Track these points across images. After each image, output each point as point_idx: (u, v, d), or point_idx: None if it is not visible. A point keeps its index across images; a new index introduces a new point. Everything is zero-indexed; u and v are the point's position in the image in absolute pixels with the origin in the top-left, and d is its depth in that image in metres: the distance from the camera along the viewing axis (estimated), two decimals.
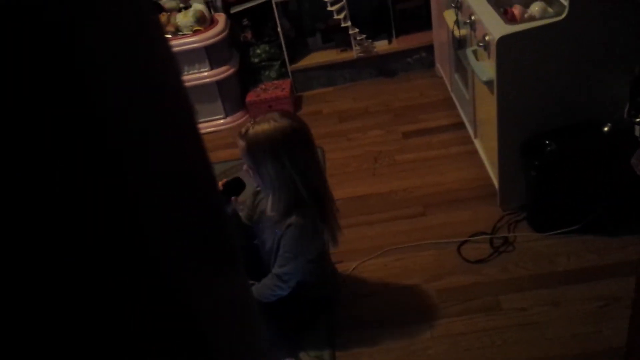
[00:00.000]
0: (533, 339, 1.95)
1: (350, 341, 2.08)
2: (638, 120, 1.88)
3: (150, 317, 0.44)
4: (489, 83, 2.27)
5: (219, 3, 3.72)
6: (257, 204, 2.10)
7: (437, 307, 2.14)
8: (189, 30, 3.48)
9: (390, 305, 2.19)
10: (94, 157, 0.37)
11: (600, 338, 1.90)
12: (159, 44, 0.51)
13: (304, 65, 3.85)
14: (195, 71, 3.52)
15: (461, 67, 2.88)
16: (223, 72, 3.57)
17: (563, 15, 2.07)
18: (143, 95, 0.46)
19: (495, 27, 2.17)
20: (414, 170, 2.91)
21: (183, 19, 3.49)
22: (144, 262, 0.42)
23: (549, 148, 2.24)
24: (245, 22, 3.81)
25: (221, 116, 3.69)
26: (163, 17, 3.54)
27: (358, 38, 3.64)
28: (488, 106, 2.39)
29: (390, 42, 3.82)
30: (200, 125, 3.61)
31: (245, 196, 2.11)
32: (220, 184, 1.96)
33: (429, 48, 3.72)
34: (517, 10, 2.31)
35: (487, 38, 2.21)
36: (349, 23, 3.57)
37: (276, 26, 3.67)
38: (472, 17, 2.43)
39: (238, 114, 3.73)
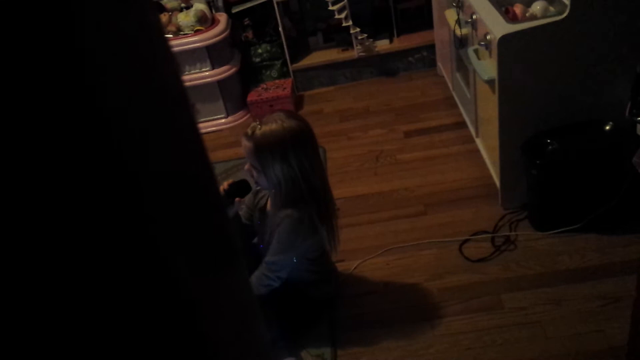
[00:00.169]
0: (534, 338, 1.94)
1: (352, 340, 2.08)
2: (639, 119, 1.88)
3: (153, 317, 0.44)
4: (490, 82, 2.27)
5: (220, 3, 3.73)
6: (257, 203, 2.11)
7: (438, 306, 2.14)
8: (190, 30, 3.48)
9: (391, 304, 2.19)
10: (98, 156, 0.38)
11: (602, 337, 1.90)
12: (160, 44, 0.51)
13: (305, 64, 3.85)
14: (197, 71, 3.53)
15: (462, 66, 2.88)
16: (224, 71, 3.57)
17: (564, 14, 2.07)
18: (144, 95, 0.46)
19: (496, 26, 2.17)
20: (415, 169, 2.91)
21: (184, 18, 3.49)
22: (147, 262, 0.42)
23: (550, 147, 2.24)
24: (246, 21, 3.81)
25: (222, 116, 3.69)
26: (164, 17, 3.54)
27: (359, 37, 3.64)
28: (489, 105, 2.39)
29: (391, 41, 3.82)
30: (202, 125, 3.64)
31: (246, 196, 2.12)
32: (225, 184, 1.96)
33: (431, 47, 3.72)
34: (518, 9, 2.31)
35: (488, 37, 2.21)
36: (350, 22, 3.57)
37: (277, 26, 3.68)
38: (474, 16, 2.43)
39: (239, 114, 3.74)
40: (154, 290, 0.43)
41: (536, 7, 2.30)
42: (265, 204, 2.09)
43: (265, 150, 1.83)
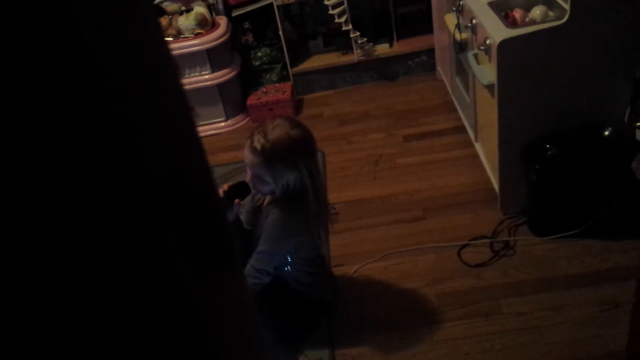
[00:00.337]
0: (533, 343, 1.94)
1: (350, 344, 2.07)
2: (639, 124, 1.88)
3: (154, 317, 0.44)
4: (489, 87, 2.27)
5: (220, 6, 3.73)
6: (255, 204, 2.11)
7: (437, 311, 2.14)
8: (190, 33, 3.49)
9: (390, 309, 2.19)
10: (98, 156, 0.38)
11: (601, 343, 1.89)
12: (160, 47, 0.52)
13: (305, 68, 3.85)
14: (197, 74, 3.53)
15: (462, 71, 2.88)
16: (224, 75, 3.57)
17: (564, 19, 2.08)
18: (144, 97, 0.46)
19: (496, 31, 2.17)
20: (414, 173, 2.91)
21: (185, 22, 3.50)
22: (149, 263, 0.42)
23: (549, 152, 2.24)
24: (246, 25, 3.82)
25: (222, 119, 3.69)
26: (165, 20, 3.54)
27: (359, 41, 3.65)
28: (489, 110, 2.39)
29: (391, 45, 3.83)
30: (201, 128, 3.64)
31: (245, 199, 2.11)
32: (225, 186, 1.96)
33: (430, 51, 3.73)
34: (518, 14, 2.31)
35: (488, 42, 2.22)
36: (350, 26, 3.58)
37: (277, 29, 3.68)
38: (473, 21, 2.44)
39: (239, 117, 3.74)
40: (155, 290, 0.43)
41: (536, 12, 2.30)
42: (262, 203, 2.09)
43: (277, 162, 1.82)
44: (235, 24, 3.77)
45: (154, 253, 0.42)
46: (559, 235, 2.30)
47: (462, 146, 2.99)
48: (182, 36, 3.50)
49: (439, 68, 3.68)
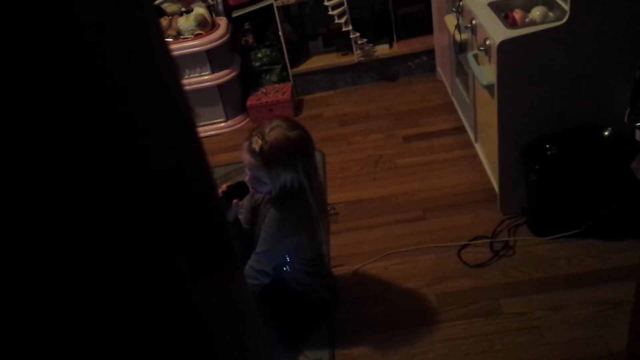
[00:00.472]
0: (533, 343, 1.94)
1: (350, 344, 2.07)
2: (638, 124, 1.88)
3: (154, 316, 0.44)
4: (489, 87, 2.27)
5: (220, 7, 3.73)
6: (254, 203, 2.11)
7: (437, 311, 2.14)
8: (190, 34, 3.49)
9: (390, 309, 2.19)
10: (98, 156, 0.38)
11: (601, 343, 1.89)
12: (160, 48, 0.52)
13: (305, 69, 3.85)
14: (197, 75, 3.53)
15: (462, 71, 2.88)
16: (224, 75, 3.57)
17: (564, 20, 2.08)
18: (144, 97, 0.46)
19: (496, 32, 2.17)
20: (414, 174, 2.91)
21: (185, 22, 3.50)
22: (149, 262, 0.43)
23: (549, 152, 2.24)
24: (246, 26, 3.82)
25: (222, 120, 3.69)
26: (165, 21, 3.55)
27: (359, 42, 3.65)
28: (489, 110, 2.39)
29: (391, 46, 3.83)
30: (201, 129, 3.63)
31: (244, 199, 2.12)
32: (224, 186, 1.97)
33: (430, 52, 3.73)
34: (518, 14, 2.31)
35: (488, 42, 2.22)
36: (350, 27, 3.58)
37: (277, 30, 3.68)
38: (473, 22, 2.44)
39: (239, 118, 3.74)
40: (155, 290, 0.43)
41: (535, 13, 2.31)
42: (261, 203, 2.09)
43: (275, 164, 1.82)
44: (235, 24, 3.77)
45: (154, 253, 0.43)
46: (558, 236, 2.30)
47: (462, 146, 2.99)
48: (182, 37, 3.50)
49: (439, 69, 3.68)
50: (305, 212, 1.93)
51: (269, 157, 1.81)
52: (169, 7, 3.65)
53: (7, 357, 0.40)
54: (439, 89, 3.60)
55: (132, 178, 0.40)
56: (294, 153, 1.84)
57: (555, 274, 2.18)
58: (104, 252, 0.40)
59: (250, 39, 3.83)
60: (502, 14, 2.30)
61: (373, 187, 2.88)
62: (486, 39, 2.23)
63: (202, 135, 3.65)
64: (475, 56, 2.42)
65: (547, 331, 1.97)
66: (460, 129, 3.07)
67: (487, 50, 2.24)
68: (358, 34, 3.61)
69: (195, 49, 3.44)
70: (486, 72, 2.28)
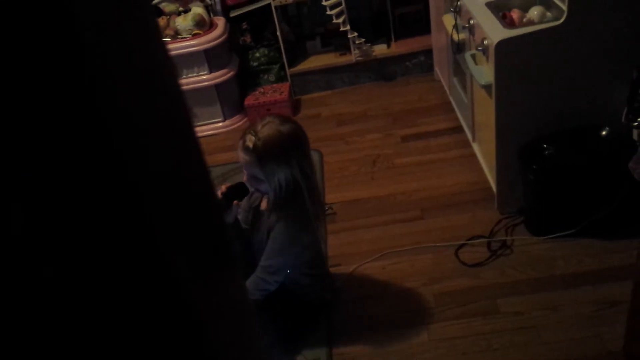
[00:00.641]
0: (530, 343, 1.95)
1: (348, 344, 2.08)
2: (636, 124, 1.89)
3: (153, 316, 0.44)
4: (487, 87, 2.27)
5: (218, 7, 3.73)
6: (252, 203, 2.11)
7: (434, 310, 2.14)
8: (188, 33, 3.49)
9: (387, 309, 2.19)
10: (98, 156, 0.38)
11: (598, 342, 1.90)
12: (159, 48, 0.52)
13: (303, 68, 3.85)
14: (194, 74, 3.53)
15: (460, 71, 2.89)
16: (222, 75, 3.57)
17: (561, 20, 2.08)
18: (142, 97, 0.46)
19: (493, 31, 2.17)
20: (412, 173, 2.91)
21: (182, 22, 3.50)
22: (148, 262, 0.43)
23: (547, 152, 2.25)
24: (244, 25, 3.81)
25: (220, 119, 3.69)
26: (163, 21, 3.54)
27: (357, 42, 3.65)
28: (486, 110, 2.40)
29: (389, 46, 3.83)
30: (199, 129, 3.63)
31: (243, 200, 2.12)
32: (223, 187, 1.96)
33: (428, 52, 3.73)
34: (515, 14, 2.32)
35: (485, 42, 2.22)
36: (348, 27, 3.58)
37: (275, 30, 3.68)
38: (471, 22, 2.44)
39: (236, 117, 3.74)
40: (155, 290, 0.43)
41: (533, 13, 2.31)
42: (259, 203, 2.09)
43: (269, 159, 1.82)
44: (233, 24, 3.77)
45: (154, 253, 0.43)
46: (556, 235, 2.30)
47: (460, 146, 2.99)
48: (179, 37, 3.50)
49: (436, 68, 3.69)
50: (305, 214, 1.93)
51: (263, 153, 1.82)
52: (167, 7, 3.65)
53: (7, 357, 0.40)
54: (436, 88, 3.60)
55: (132, 178, 0.40)
56: (288, 148, 1.84)
57: (552, 274, 2.18)
58: (105, 252, 0.40)
59: (248, 38, 3.83)
60: (500, 14, 2.30)
61: (371, 187, 2.88)
62: (484, 38, 2.24)
63: (200, 135, 3.64)
64: (473, 56, 2.42)
65: (544, 331, 1.97)
66: (458, 129, 3.08)
67: (484, 50, 2.24)
68: (356, 34, 3.61)
69: (193, 48, 3.43)
70: (484, 72, 2.29)
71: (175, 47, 3.40)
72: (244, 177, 1.95)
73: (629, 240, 2.22)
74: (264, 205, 2.04)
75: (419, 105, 3.51)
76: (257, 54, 3.83)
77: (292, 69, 3.83)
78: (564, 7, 2.08)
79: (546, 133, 2.26)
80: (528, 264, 2.24)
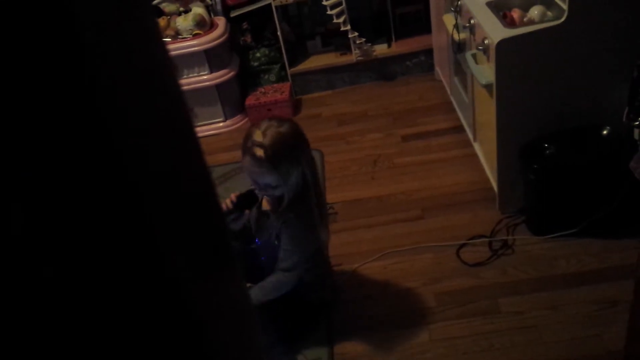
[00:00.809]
0: (531, 342, 1.95)
1: (348, 344, 2.08)
2: (637, 123, 1.88)
3: (153, 316, 0.44)
4: (488, 86, 2.27)
5: (219, 7, 3.73)
6: (258, 208, 2.11)
7: (435, 310, 2.14)
8: (188, 34, 3.49)
9: (388, 308, 2.19)
10: (98, 156, 0.38)
11: (599, 342, 1.90)
12: (159, 48, 0.52)
13: (303, 68, 3.85)
14: (195, 75, 3.53)
15: (460, 71, 2.89)
16: (223, 75, 3.57)
17: (562, 19, 2.08)
18: (143, 97, 0.46)
19: (494, 31, 2.17)
20: (413, 173, 2.91)
21: (183, 22, 3.50)
22: (148, 262, 0.43)
23: (548, 151, 2.24)
24: (245, 25, 3.81)
25: (220, 119, 3.69)
26: (163, 21, 3.54)
27: (357, 42, 3.65)
28: (487, 110, 2.40)
29: (389, 45, 3.83)
30: (200, 128, 3.63)
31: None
32: (233, 196, 1.96)
33: (429, 52, 3.73)
34: (516, 14, 2.32)
35: (486, 42, 2.22)
36: (348, 27, 3.58)
37: (276, 30, 3.68)
38: (472, 21, 2.44)
39: (237, 117, 3.74)
40: (156, 290, 0.43)
41: (534, 12, 2.31)
42: (261, 202, 2.09)
43: (282, 162, 1.81)
44: (233, 24, 3.77)
45: (154, 253, 0.43)
46: (557, 235, 2.30)
47: (461, 146, 2.99)
48: (180, 37, 3.50)
49: (437, 68, 3.69)
50: (312, 211, 1.95)
51: (275, 159, 1.80)
52: (167, 7, 3.65)
53: (7, 357, 0.40)
54: (437, 88, 3.60)
55: (132, 178, 0.40)
56: (294, 146, 1.85)
57: (553, 273, 2.18)
58: (105, 252, 0.40)
59: (248, 38, 3.83)
60: (501, 13, 2.30)
61: (371, 187, 2.88)
62: (484, 38, 2.23)
63: (200, 135, 3.65)
64: (474, 55, 2.42)
65: (545, 330, 1.97)
66: (459, 129, 3.08)
67: (485, 50, 2.24)
68: (356, 34, 3.61)
69: (193, 48, 3.44)
70: (485, 72, 2.29)
71: (176, 47, 3.40)
72: (256, 190, 1.96)
73: (629, 239, 2.22)
74: (265, 205, 2.04)
75: (420, 105, 3.51)
76: (258, 54, 3.83)
77: (292, 69, 3.83)
78: (565, 7, 2.07)
79: (547, 132, 2.25)
80: (529, 264, 2.24)
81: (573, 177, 2.20)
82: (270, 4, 3.60)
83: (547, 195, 2.28)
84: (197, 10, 3.55)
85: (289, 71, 3.83)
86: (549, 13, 2.29)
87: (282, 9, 3.81)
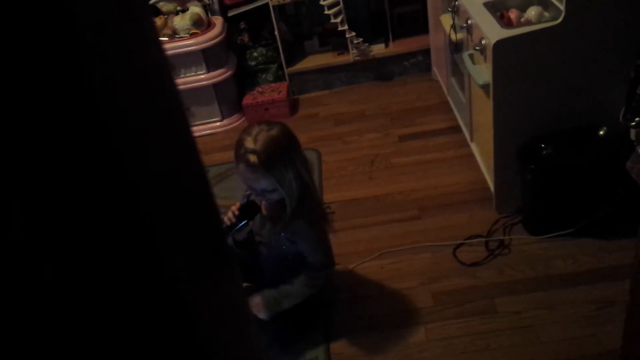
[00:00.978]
0: (528, 342, 1.95)
1: (346, 344, 2.08)
2: (633, 124, 1.89)
3: (152, 317, 0.44)
4: (485, 87, 2.27)
5: (216, 6, 3.73)
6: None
7: (432, 309, 2.14)
8: (186, 33, 3.48)
9: (386, 308, 2.19)
10: (98, 156, 0.38)
11: (595, 341, 1.90)
12: (156, 48, 0.52)
13: (300, 68, 3.85)
14: (192, 74, 3.53)
15: (458, 71, 2.89)
16: (220, 75, 3.57)
17: (559, 20, 2.08)
18: (141, 97, 0.46)
19: (491, 31, 2.18)
20: (410, 173, 2.91)
21: (180, 22, 3.49)
22: (147, 262, 0.43)
23: (544, 152, 2.25)
24: (242, 25, 3.81)
25: (217, 119, 3.69)
26: (160, 20, 3.54)
27: (355, 42, 3.65)
28: (484, 110, 2.40)
29: (387, 45, 3.83)
30: (197, 128, 3.63)
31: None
32: (234, 208, 1.95)
33: (426, 52, 3.73)
34: (513, 14, 2.32)
35: (483, 42, 2.22)
36: (346, 26, 3.58)
37: (273, 29, 3.68)
38: (469, 21, 2.45)
39: (234, 117, 3.74)
40: (155, 290, 0.43)
41: (531, 13, 2.31)
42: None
43: (276, 165, 1.81)
44: (230, 24, 3.77)
45: (153, 253, 0.43)
46: (553, 235, 2.31)
47: (458, 146, 2.99)
48: (177, 36, 3.49)
49: (434, 68, 3.69)
50: (315, 209, 1.96)
51: (268, 163, 1.80)
52: (165, 6, 3.65)
53: (7, 357, 0.40)
54: (434, 88, 3.60)
55: (132, 178, 0.40)
56: (286, 148, 1.85)
57: (550, 273, 2.18)
58: (104, 252, 0.40)
59: (246, 38, 3.83)
60: (498, 14, 2.31)
61: (369, 187, 2.88)
62: (482, 38, 2.24)
63: (197, 134, 3.64)
64: (471, 56, 2.43)
65: (542, 330, 1.98)
66: (456, 129, 3.08)
67: (482, 50, 2.24)
68: (354, 34, 3.61)
69: (190, 48, 3.43)
70: (482, 72, 2.29)
71: (173, 47, 3.39)
72: (252, 196, 1.95)
73: (626, 239, 2.22)
74: (264, 210, 2.03)
75: (417, 105, 3.51)
76: (255, 54, 3.83)
77: (290, 69, 3.83)
78: (562, 7, 2.08)
79: (544, 133, 2.26)
80: (526, 264, 2.24)
81: (570, 178, 2.21)
82: (267, 4, 3.60)
83: (544, 196, 2.28)
84: (195, 9, 3.55)
85: (287, 71, 3.83)
86: (546, 13, 2.30)
87: (280, 8, 3.81)
